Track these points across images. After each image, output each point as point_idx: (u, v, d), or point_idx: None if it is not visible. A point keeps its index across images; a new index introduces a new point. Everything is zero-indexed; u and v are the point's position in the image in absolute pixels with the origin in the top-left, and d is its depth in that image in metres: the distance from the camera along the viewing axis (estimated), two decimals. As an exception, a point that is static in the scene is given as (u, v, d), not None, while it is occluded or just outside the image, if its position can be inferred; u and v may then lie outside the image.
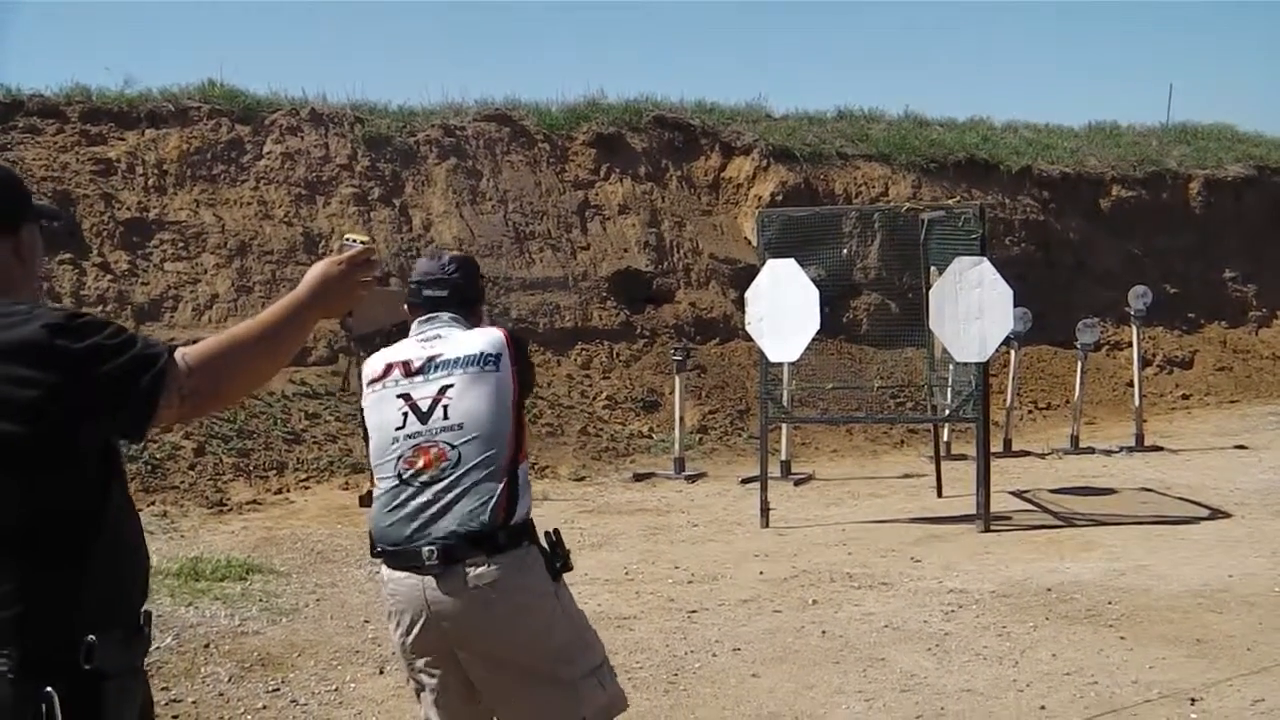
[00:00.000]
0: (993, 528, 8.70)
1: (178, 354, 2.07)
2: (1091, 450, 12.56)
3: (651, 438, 12.82)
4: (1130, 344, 14.00)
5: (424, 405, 3.24)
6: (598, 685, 3.21)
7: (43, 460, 2.01)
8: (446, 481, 3.15)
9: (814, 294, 8.91)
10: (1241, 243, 18.51)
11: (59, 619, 2.04)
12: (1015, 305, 9.00)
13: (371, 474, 3.35)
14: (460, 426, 3.19)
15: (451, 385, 3.24)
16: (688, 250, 15.51)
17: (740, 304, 11.67)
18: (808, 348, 9.28)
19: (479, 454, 3.17)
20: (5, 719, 1.97)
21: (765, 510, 9.20)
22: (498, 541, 3.11)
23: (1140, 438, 12.71)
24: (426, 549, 3.10)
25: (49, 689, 1.96)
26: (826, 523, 9.32)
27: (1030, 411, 14.89)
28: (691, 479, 11.46)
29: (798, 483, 11.21)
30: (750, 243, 15.02)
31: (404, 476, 3.19)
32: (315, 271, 2.30)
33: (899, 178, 16.89)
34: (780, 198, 15.62)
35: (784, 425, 11.46)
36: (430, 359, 3.30)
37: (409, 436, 3.22)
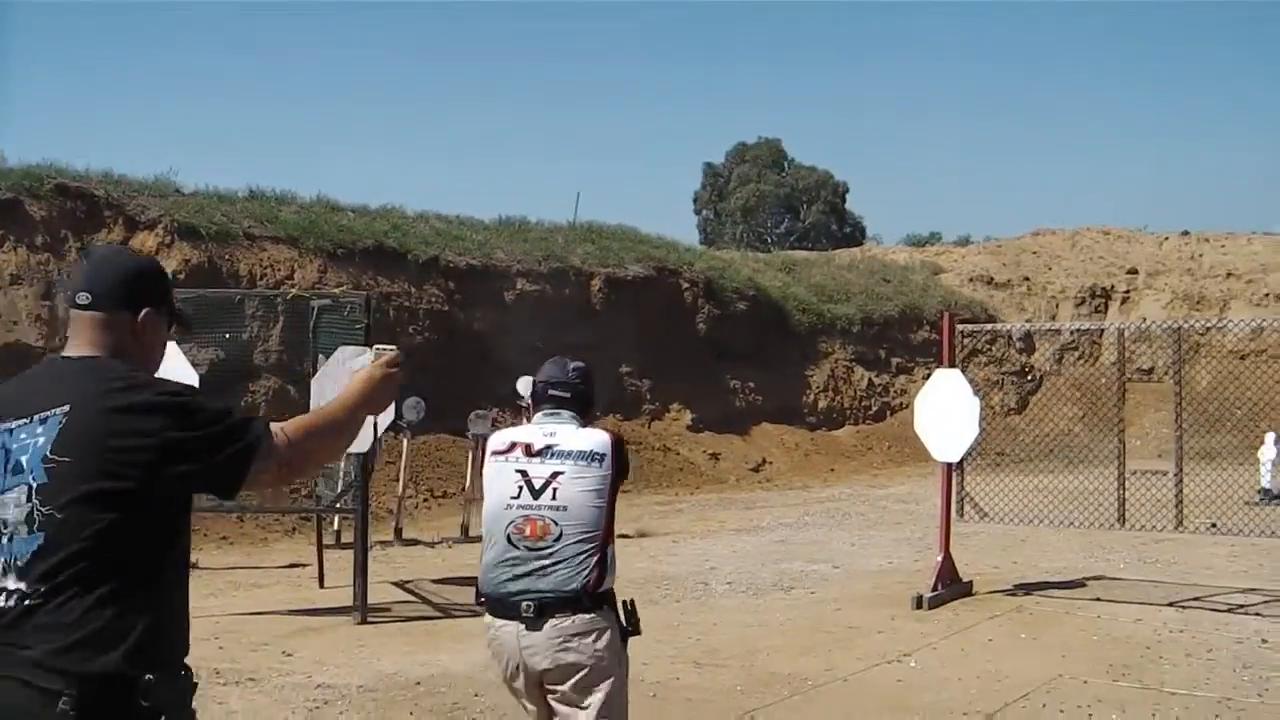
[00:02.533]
0: (371, 619, 8.58)
1: (275, 428, 2.50)
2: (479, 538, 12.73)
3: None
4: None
5: (538, 484, 3.96)
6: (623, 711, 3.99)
7: (145, 504, 2.35)
8: (547, 552, 3.88)
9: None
10: (638, 339, 19.67)
11: (119, 656, 2.29)
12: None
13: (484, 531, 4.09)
14: (565, 509, 3.92)
15: (563, 473, 3.95)
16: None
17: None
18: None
19: (578, 534, 3.90)
20: None
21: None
22: (584, 604, 3.84)
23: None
24: (525, 604, 3.83)
25: None
26: (203, 615, 8.79)
27: (425, 500, 15.03)
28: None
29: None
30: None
31: (512, 539, 3.92)
32: (363, 375, 2.74)
33: (306, 261, 16.63)
34: (184, 276, 14.84)
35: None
36: (548, 446, 4.00)
37: (522, 507, 3.94)
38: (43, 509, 2.35)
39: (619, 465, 4.03)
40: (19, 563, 2.35)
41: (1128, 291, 26.31)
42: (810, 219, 53.72)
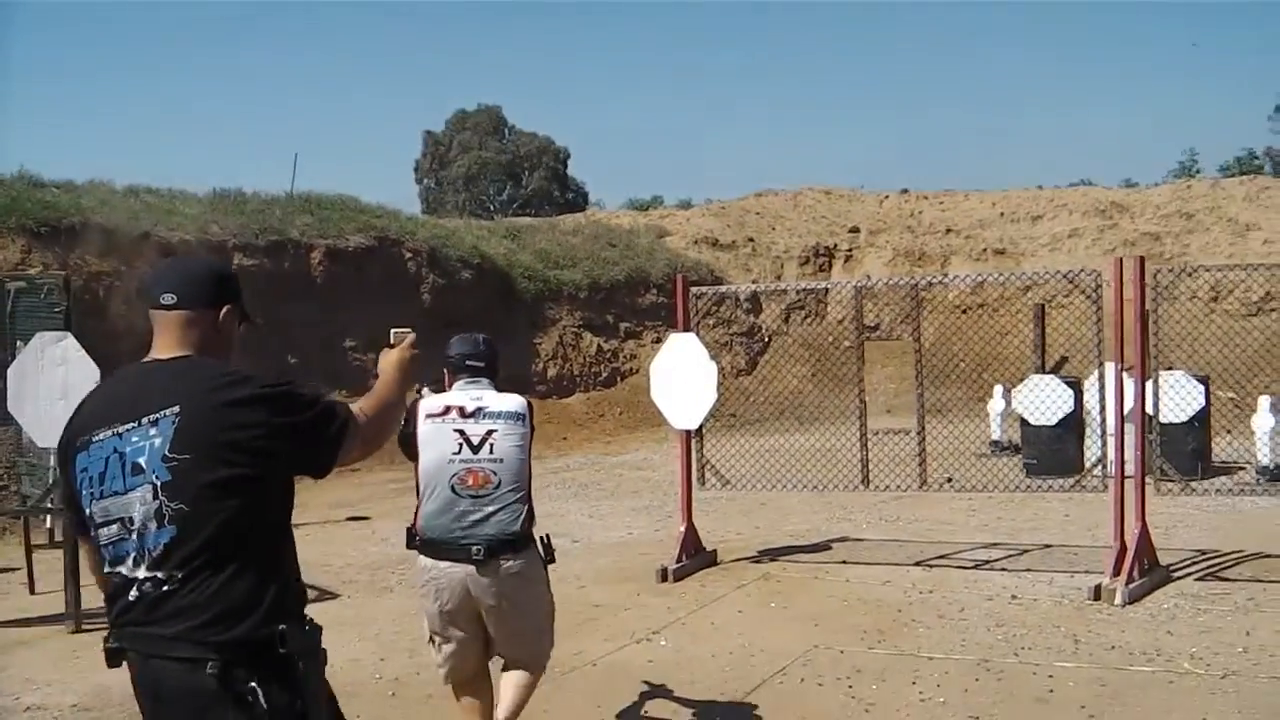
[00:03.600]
0: (86, 626, 7.86)
1: (354, 409, 2.87)
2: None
3: None
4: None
5: (475, 440, 4.72)
6: (550, 637, 5.02)
7: (260, 485, 2.70)
8: (490, 498, 4.67)
9: None
10: (362, 312, 18.93)
11: (257, 613, 2.63)
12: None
13: (418, 487, 4.85)
14: (501, 461, 4.71)
15: (496, 430, 4.75)
16: None
17: None
18: None
19: (511, 482, 4.72)
20: (223, 708, 2.57)
21: None
22: (519, 544, 4.70)
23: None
24: (474, 547, 4.61)
25: (253, 684, 2.58)
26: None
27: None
28: None
29: None
30: None
31: (456, 490, 4.66)
32: (394, 358, 3.13)
33: (7, 242, 15.18)
34: None
35: None
36: (479, 409, 4.78)
37: (463, 461, 4.69)
38: (171, 504, 2.61)
39: (532, 424, 4.92)
40: (153, 554, 2.61)
41: (850, 250, 26.98)
42: (533, 186, 53.97)
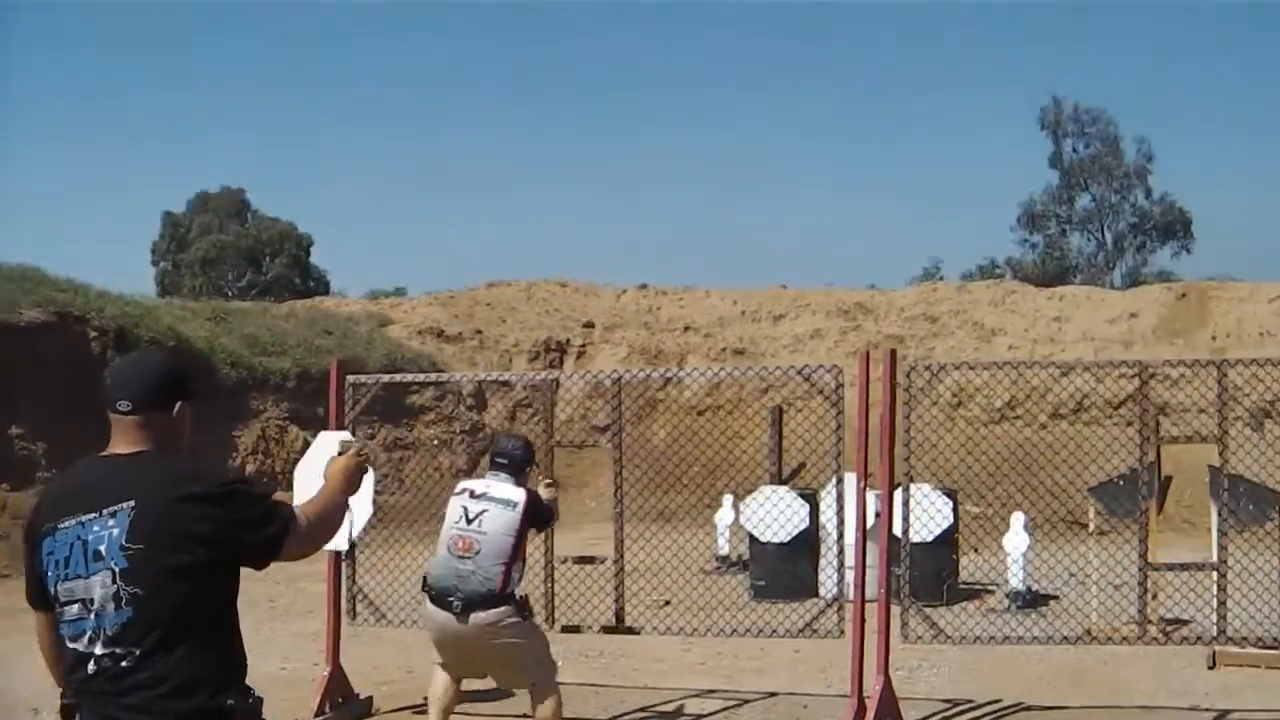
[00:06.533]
0: None
1: (295, 511, 3.18)
2: None
3: None
4: None
5: (471, 515, 6.09)
6: (544, 661, 6.30)
7: (209, 572, 2.98)
8: (472, 562, 5.98)
9: None
10: (35, 395, 16.49)
11: (205, 695, 2.94)
12: None
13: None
14: (485, 534, 6.03)
15: (488, 511, 6.09)
16: None
17: None
18: None
19: (491, 552, 5.99)
20: None
21: None
22: (494, 602, 5.95)
23: None
24: (455, 601, 5.95)
25: None
26: None
27: None
28: None
29: None
30: None
31: (451, 550, 6.07)
32: (340, 465, 3.46)
33: None
34: None
35: None
36: (485, 493, 6.19)
37: (460, 529, 6.08)
38: (127, 589, 2.93)
39: (529, 512, 6.16)
40: (109, 632, 2.93)
41: (584, 345, 25.50)
42: (273, 272, 52.35)
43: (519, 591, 6.14)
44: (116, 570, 2.91)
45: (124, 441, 3.09)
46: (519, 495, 6.12)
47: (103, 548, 2.93)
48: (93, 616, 2.92)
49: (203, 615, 2.97)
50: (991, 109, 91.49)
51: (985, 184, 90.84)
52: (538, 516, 6.30)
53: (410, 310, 27.09)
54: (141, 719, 2.90)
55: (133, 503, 2.93)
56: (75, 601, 2.96)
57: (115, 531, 2.92)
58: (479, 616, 5.89)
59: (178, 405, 3.14)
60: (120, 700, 2.91)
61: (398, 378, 9.83)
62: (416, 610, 8.02)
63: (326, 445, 8.03)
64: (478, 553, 5.93)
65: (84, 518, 2.96)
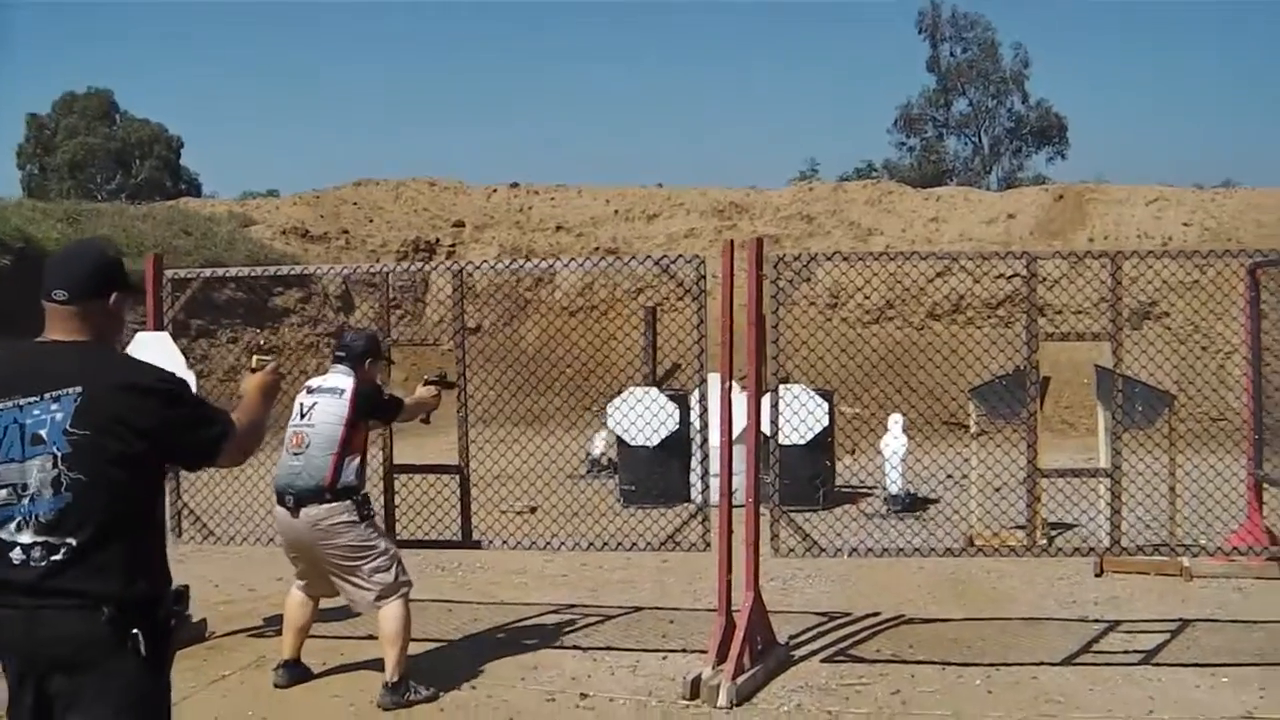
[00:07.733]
0: None
1: (235, 417, 3.21)
2: None
3: None
4: None
5: (304, 409, 5.89)
6: (386, 569, 5.85)
7: (146, 465, 3.00)
8: (303, 457, 5.77)
9: None
10: None
11: (144, 581, 2.95)
12: None
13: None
14: (313, 426, 5.81)
15: (317, 403, 5.87)
16: None
17: None
18: None
19: (319, 444, 5.76)
20: (105, 650, 2.86)
21: None
22: (325, 496, 5.71)
23: None
24: (289, 497, 5.75)
25: (136, 631, 2.89)
26: None
27: None
28: None
29: None
30: None
31: (288, 449, 5.85)
32: (255, 382, 3.45)
33: None
34: None
35: None
36: (319, 386, 5.99)
37: (294, 425, 5.88)
38: (70, 474, 2.88)
39: (357, 399, 5.86)
40: (42, 519, 2.88)
41: (454, 245, 24.52)
42: (143, 175, 51.00)
43: (361, 490, 5.85)
44: (59, 454, 2.88)
45: (60, 330, 3.05)
46: (347, 383, 5.89)
47: (44, 431, 2.89)
48: (25, 502, 2.87)
49: (140, 506, 2.99)
50: (870, 11, 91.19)
51: (863, 87, 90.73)
52: (372, 406, 5.99)
53: (274, 210, 25.74)
54: (83, 603, 2.84)
55: (80, 388, 2.91)
56: (4, 486, 2.89)
57: (59, 416, 2.89)
58: (309, 511, 5.69)
59: (113, 295, 3.11)
60: (61, 588, 2.86)
61: (219, 272, 8.83)
62: (250, 526, 7.40)
63: (144, 347, 7.26)
64: (308, 446, 5.75)
65: (22, 401, 2.92)
